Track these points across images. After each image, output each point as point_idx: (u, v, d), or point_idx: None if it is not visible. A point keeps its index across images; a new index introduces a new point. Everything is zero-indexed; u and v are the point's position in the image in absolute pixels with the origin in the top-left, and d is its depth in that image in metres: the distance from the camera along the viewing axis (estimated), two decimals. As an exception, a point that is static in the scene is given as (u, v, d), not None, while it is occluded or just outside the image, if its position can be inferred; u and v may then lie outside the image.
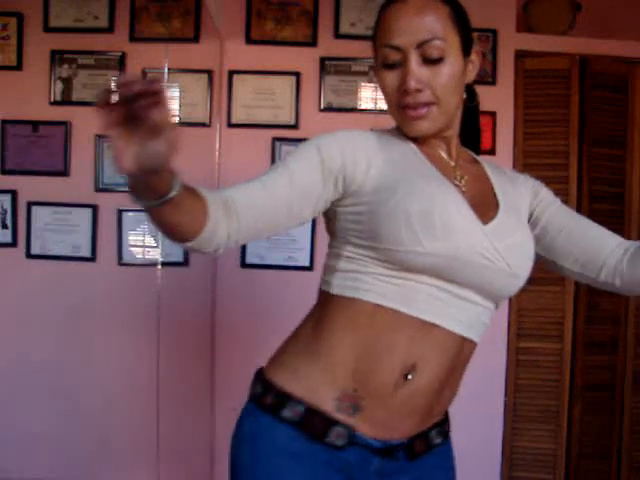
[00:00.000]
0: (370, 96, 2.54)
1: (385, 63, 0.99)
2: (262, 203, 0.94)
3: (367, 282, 0.95)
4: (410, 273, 0.93)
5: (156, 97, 0.68)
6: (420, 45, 0.96)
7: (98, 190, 2.52)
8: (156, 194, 0.80)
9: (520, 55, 2.58)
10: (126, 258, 2.51)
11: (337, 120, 2.50)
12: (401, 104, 0.99)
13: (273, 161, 2.51)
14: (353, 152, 0.97)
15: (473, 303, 0.98)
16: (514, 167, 2.58)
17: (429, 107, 0.98)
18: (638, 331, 2.64)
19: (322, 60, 2.52)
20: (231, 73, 2.52)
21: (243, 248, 2.50)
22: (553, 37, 2.57)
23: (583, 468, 2.60)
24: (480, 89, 2.82)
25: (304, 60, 2.52)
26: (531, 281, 2.77)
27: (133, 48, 2.52)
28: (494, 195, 1.06)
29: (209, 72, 2.52)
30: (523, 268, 0.99)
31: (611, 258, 1.08)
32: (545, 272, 2.56)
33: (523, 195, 1.13)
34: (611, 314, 2.62)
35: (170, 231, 0.89)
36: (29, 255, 2.51)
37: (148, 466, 2.43)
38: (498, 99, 2.56)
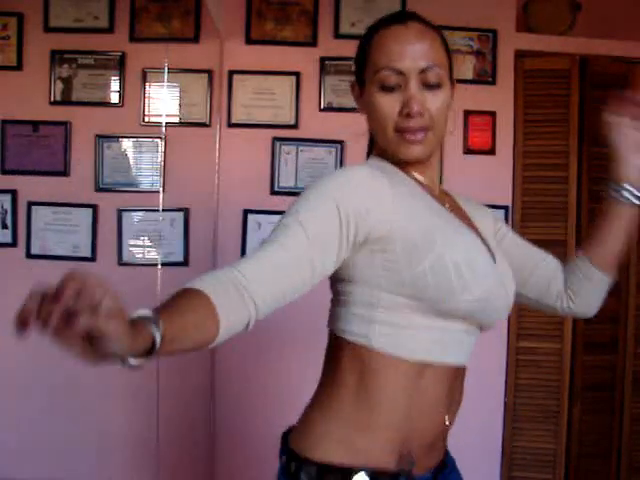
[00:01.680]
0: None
1: (384, 86, 0.98)
2: (281, 269, 0.87)
3: (411, 338, 0.94)
4: (447, 321, 0.96)
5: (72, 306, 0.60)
6: (423, 71, 0.97)
7: (98, 190, 2.52)
8: (144, 350, 0.68)
9: (520, 55, 2.58)
10: (126, 258, 2.51)
11: (337, 120, 2.50)
12: (400, 127, 0.98)
13: (273, 161, 2.51)
14: (372, 199, 0.92)
15: (475, 335, 1.04)
16: (514, 167, 2.58)
17: (426, 132, 0.99)
18: (638, 331, 2.64)
19: (322, 60, 2.52)
20: (231, 73, 2.52)
21: (242, 250, 2.50)
22: (553, 37, 2.57)
23: (583, 468, 2.60)
24: (480, 89, 2.83)
25: (304, 60, 2.52)
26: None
27: (133, 48, 2.52)
28: (476, 227, 1.10)
29: (209, 72, 2.52)
30: (512, 301, 1.08)
31: (560, 284, 1.19)
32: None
33: (487, 223, 1.17)
34: (611, 314, 2.62)
35: (185, 352, 0.78)
36: (29, 255, 2.51)
37: (148, 466, 2.43)
38: (498, 99, 2.56)
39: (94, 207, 2.51)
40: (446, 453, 1.12)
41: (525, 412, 2.58)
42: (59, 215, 2.51)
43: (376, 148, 1.09)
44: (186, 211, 2.50)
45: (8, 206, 2.51)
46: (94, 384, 2.46)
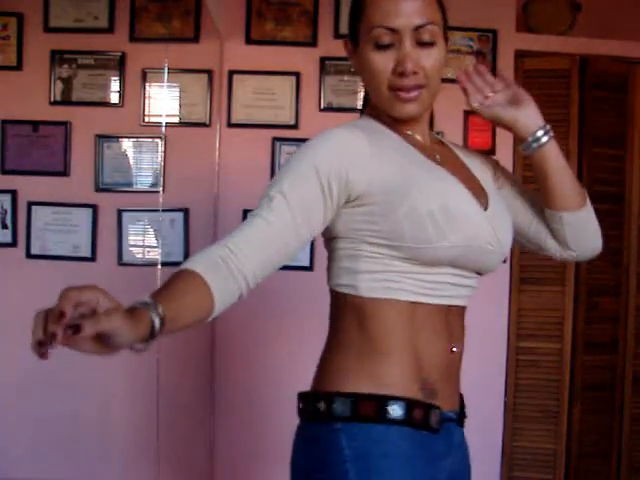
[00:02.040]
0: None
1: (377, 44, 0.98)
2: (268, 243, 0.92)
3: (396, 281, 0.98)
4: (432, 267, 0.98)
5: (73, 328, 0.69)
6: (417, 28, 0.97)
7: (98, 190, 2.52)
8: (148, 333, 0.76)
9: (520, 55, 2.58)
10: (126, 258, 2.51)
11: (337, 120, 2.48)
12: (394, 86, 0.99)
13: (273, 161, 2.51)
14: (350, 157, 0.96)
15: (472, 279, 1.06)
16: (514, 167, 2.58)
17: (420, 90, 0.99)
18: (638, 331, 2.64)
19: (322, 60, 2.52)
20: (231, 73, 2.52)
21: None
22: (553, 37, 2.57)
23: (583, 468, 2.60)
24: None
25: (304, 60, 2.52)
26: (531, 281, 2.76)
27: (133, 48, 2.52)
28: (473, 175, 1.10)
29: (209, 72, 2.52)
30: (509, 245, 1.07)
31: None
32: (545, 272, 2.57)
33: (486, 170, 1.17)
34: (611, 314, 2.62)
35: (186, 329, 0.86)
36: (29, 255, 2.51)
37: (148, 467, 2.43)
38: (498, 99, 2.55)
39: (94, 207, 2.51)
40: (462, 408, 1.14)
41: (525, 412, 2.58)
42: (59, 215, 2.51)
43: (370, 105, 1.10)
44: (186, 211, 2.50)
45: (8, 206, 2.51)
46: (94, 384, 2.46)
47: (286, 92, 2.51)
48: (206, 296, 0.86)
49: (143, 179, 2.53)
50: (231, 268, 0.89)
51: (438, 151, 1.09)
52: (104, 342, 0.70)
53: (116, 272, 2.48)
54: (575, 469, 2.59)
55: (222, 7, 2.45)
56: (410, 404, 0.97)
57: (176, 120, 2.53)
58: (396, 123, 1.05)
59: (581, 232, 1.18)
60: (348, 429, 0.96)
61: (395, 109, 1.01)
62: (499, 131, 2.56)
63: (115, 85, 2.53)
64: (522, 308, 2.57)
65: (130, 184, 2.53)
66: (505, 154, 2.57)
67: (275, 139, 2.50)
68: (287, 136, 2.51)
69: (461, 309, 1.06)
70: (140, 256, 2.52)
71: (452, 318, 1.04)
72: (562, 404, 2.55)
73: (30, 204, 2.51)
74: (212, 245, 0.91)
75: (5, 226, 2.52)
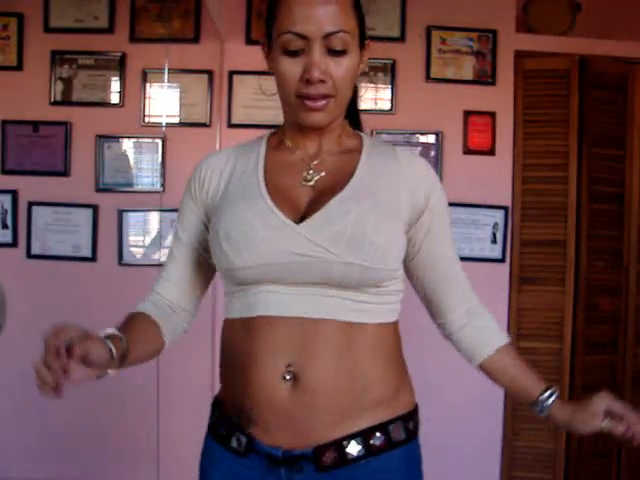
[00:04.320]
0: (370, 96, 2.54)
1: (286, 50, 0.94)
2: (187, 280, 1.10)
3: (227, 301, 1.04)
4: (245, 285, 0.98)
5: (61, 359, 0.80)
6: (327, 36, 0.93)
7: (98, 190, 2.52)
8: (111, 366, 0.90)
9: (520, 55, 2.58)
10: (126, 258, 2.51)
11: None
12: (300, 93, 0.95)
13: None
14: (207, 178, 1.06)
15: (320, 292, 0.95)
16: (514, 167, 2.58)
17: (328, 100, 0.95)
18: (638, 331, 2.64)
19: (322, 60, 2.52)
20: (231, 73, 2.52)
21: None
22: (553, 37, 2.57)
23: (583, 468, 2.60)
24: (480, 89, 2.83)
25: (304, 60, 2.52)
26: (531, 281, 2.76)
27: (133, 48, 2.52)
28: (334, 187, 0.99)
29: (209, 72, 2.52)
30: (359, 253, 0.91)
31: (453, 319, 1.11)
32: (545, 272, 2.57)
33: (402, 193, 1.00)
34: (611, 314, 2.62)
35: (138, 363, 0.99)
36: (29, 255, 2.51)
37: (148, 466, 2.43)
38: (498, 99, 2.56)
39: (94, 207, 2.52)
40: (371, 455, 0.96)
41: (525, 412, 2.58)
42: (59, 215, 2.51)
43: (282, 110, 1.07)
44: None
45: (8, 206, 2.51)
46: (94, 384, 2.46)
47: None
48: (158, 332, 1.06)
49: (143, 179, 2.54)
50: (171, 309, 1.10)
51: (327, 162, 1.02)
52: (85, 364, 0.82)
53: (116, 272, 2.48)
54: (575, 469, 2.59)
55: (222, 7, 2.45)
56: (219, 418, 1.07)
57: (176, 120, 2.53)
58: (294, 134, 1.04)
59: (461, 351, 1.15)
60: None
61: (301, 117, 0.98)
62: (499, 131, 2.56)
63: (115, 85, 2.53)
64: (522, 308, 2.57)
65: (130, 184, 2.53)
66: (505, 154, 2.57)
67: (275, 139, 2.50)
68: (287, 136, 2.50)
69: (326, 325, 0.94)
70: (140, 256, 2.52)
71: (302, 335, 0.93)
72: (562, 404, 2.55)
73: (30, 204, 2.51)
74: (147, 295, 1.10)
75: (5, 226, 2.52)
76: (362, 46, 1.00)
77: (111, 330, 0.90)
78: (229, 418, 1.03)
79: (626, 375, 2.63)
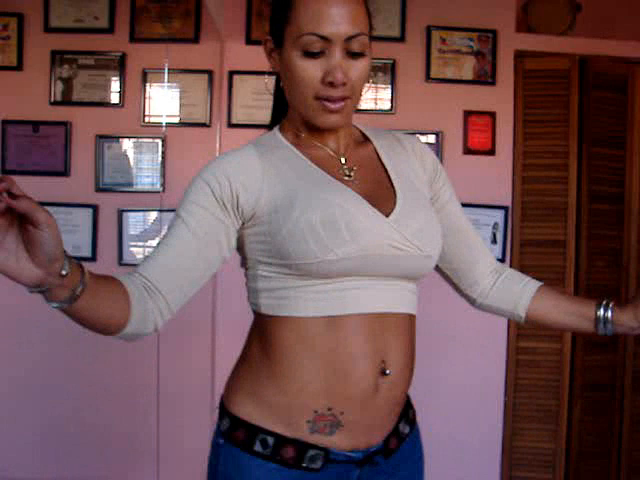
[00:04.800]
0: (370, 96, 2.54)
1: (308, 51, 0.93)
2: (176, 267, 0.95)
3: (292, 297, 0.95)
4: (329, 279, 0.93)
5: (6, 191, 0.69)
6: (349, 39, 0.93)
7: (98, 190, 2.52)
8: (64, 291, 0.78)
9: (520, 55, 2.58)
10: (126, 258, 2.51)
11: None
12: (321, 95, 0.95)
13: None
14: (240, 178, 0.96)
15: (396, 285, 0.99)
16: (514, 167, 2.58)
17: (345, 101, 0.96)
18: (638, 331, 2.64)
19: (322, 60, 2.52)
20: (231, 73, 2.52)
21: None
22: (553, 37, 2.57)
23: (583, 468, 2.60)
24: (480, 89, 2.83)
25: (304, 60, 2.52)
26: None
27: (133, 48, 2.52)
28: (389, 178, 1.03)
29: (209, 72, 2.52)
30: (433, 247, 1.00)
31: (484, 279, 1.13)
32: (545, 272, 2.57)
33: (419, 170, 1.09)
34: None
35: (96, 324, 0.87)
36: (29, 255, 2.51)
37: (148, 466, 2.43)
38: (498, 99, 2.56)
39: (94, 207, 2.52)
40: (412, 431, 1.06)
41: (525, 412, 2.58)
42: (59, 215, 2.51)
43: (284, 116, 1.07)
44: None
45: (8, 206, 2.51)
46: (94, 384, 2.46)
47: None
48: (126, 301, 0.89)
49: (143, 179, 2.54)
50: (149, 293, 0.94)
51: (352, 156, 1.04)
52: (29, 242, 0.71)
53: (116, 272, 2.47)
54: (575, 469, 2.59)
55: (222, 7, 2.45)
56: (278, 441, 0.95)
57: (176, 120, 2.53)
58: (309, 133, 1.03)
59: (500, 311, 1.15)
60: (227, 447, 0.99)
61: (319, 119, 0.98)
62: (499, 131, 2.56)
63: (115, 85, 2.53)
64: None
65: (130, 184, 2.53)
66: (505, 154, 2.57)
67: (275, 139, 2.50)
68: (287, 136, 2.50)
69: (400, 318, 0.98)
70: (140, 256, 2.52)
71: (385, 330, 0.96)
72: (562, 404, 2.55)
73: (30, 204, 2.51)
74: (130, 274, 0.95)
75: (5, 226, 2.52)
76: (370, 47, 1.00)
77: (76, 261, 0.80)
78: (293, 438, 0.95)
79: (626, 375, 2.63)
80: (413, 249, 0.96)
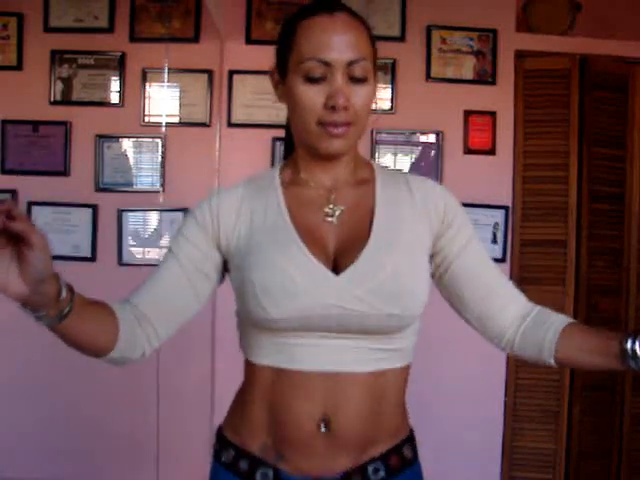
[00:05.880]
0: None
1: (310, 77, 0.93)
2: (165, 298, 1.00)
3: (251, 344, 1.00)
4: (279, 332, 0.95)
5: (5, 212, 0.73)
6: (350, 64, 0.93)
7: (98, 190, 2.52)
8: (53, 308, 0.82)
9: (520, 55, 2.58)
10: (126, 258, 2.51)
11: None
12: (324, 121, 0.94)
13: (273, 161, 2.51)
14: (222, 217, 1.01)
15: (357, 342, 0.96)
16: (514, 167, 2.58)
17: (348, 127, 0.95)
18: (638, 331, 2.64)
19: (322, 60, 2.52)
20: (231, 73, 2.52)
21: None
22: (553, 37, 2.57)
23: (583, 468, 2.60)
24: (480, 89, 2.83)
25: (304, 60, 2.52)
26: (531, 281, 2.76)
27: (133, 48, 2.52)
28: (371, 224, 0.99)
29: (209, 72, 2.52)
30: (400, 305, 0.93)
31: (509, 329, 1.05)
32: (545, 272, 2.57)
33: (422, 224, 1.02)
34: (611, 314, 2.62)
35: (83, 345, 0.92)
36: (29, 255, 2.50)
37: (148, 466, 2.43)
38: (498, 99, 2.56)
39: (94, 207, 2.51)
40: (392, 476, 1.02)
41: (525, 412, 2.58)
42: (59, 215, 2.51)
43: (295, 140, 1.06)
44: (186, 211, 2.50)
45: (8, 206, 2.51)
46: (94, 384, 2.46)
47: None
48: (114, 325, 0.93)
49: (143, 179, 2.54)
50: (139, 321, 0.98)
51: (345, 195, 1.02)
52: (20, 262, 0.76)
53: (116, 272, 2.48)
54: (575, 469, 2.59)
55: (222, 7, 2.45)
56: (237, 453, 1.02)
57: (176, 120, 2.53)
58: (309, 168, 1.03)
59: (529, 358, 1.07)
60: (215, 459, 1.08)
61: (321, 145, 0.96)
62: (499, 131, 2.56)
63: (115, 85, 2.53)
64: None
65: (130, 184, 2.53)
66: (505, 154, 2.57)
67: (275, 139, 2.50)
68: (287, 136, 2.50)
69: (358, 376, 0.96)
70: (140, 256, 2.52)
71: (335, 388, 0.95)
72: (562, 404, 2.55)
73: (30, 204, 2.51)
74: (122, 301, 1.00)
75: (5, 226, 2.52)
76: (375, 76, 1.00)
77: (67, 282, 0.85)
78: (249, 453, 1.01)
79: (626, 375, 2.63)
80: (366, 307, 0.92)
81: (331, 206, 1.01)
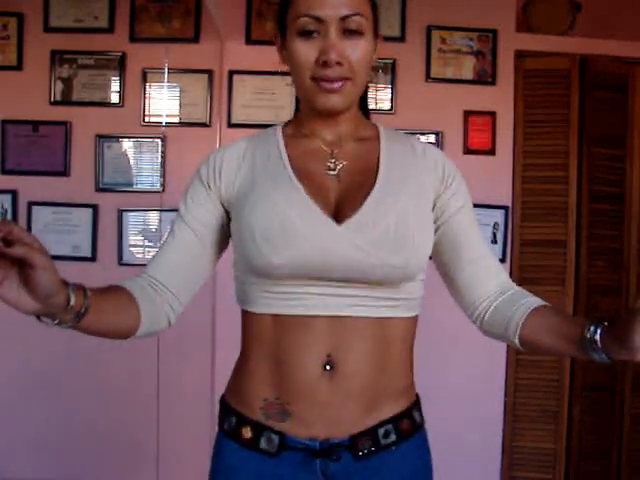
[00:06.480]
0: (370, 96, 2.54)
1: (302, 32, 0.94)
2: (179, 263, 1.01)
3: (252, 294, 0.99)
4: (278, 280, 0.94)
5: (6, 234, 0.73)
6: (343, 18, 0.93)
7: (98, 190, 2.52)
8: (68, 313, 0.81)
9: (520, 55, 2.58)
10: (126, 258, 2.51)
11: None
12: (317, 76, 0.94)
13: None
14: (224, 169, 1.02)
15: (357, 290, 0.95)
16: (514, 167, 2.58)
17: (344, 82, 0.95)
18: (638, 331, 2.64)
19: (322, 60, 2.52)
20: (231, 73, 2.52)
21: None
22: (553, 37, 2.57)
23: (583, 468, 2.60)
24: (480, 89, 2.83)
25: (304, 60, 2.52)
26: (531, 281, 2.76)
27: (133, 48, 2.52)
28: (376, 177, 0.99)
29: (209, 72, 2.52)
30: (402, 256, 0.93)
31: (482, 303, 1.04)
32: (545, 272, 2.57)
33: (427, 177, 1.03)
34: (611, 314, 2.62)
35: (108, 334, 0.92)
36: (29, 255, 2.50)
37: (148, 466, 2.43)
38: (498, 99, 2.56)
39: (94, 207, 2.51)
40: (402, 441, 1.00)
41: (525, 412, 2.58)
42: (59, 215, 2.51)
43: (298, 98, 1.07)
44: (186, 211, 2.50)
45: (8, 206, 2.51)
46: (94, 384, 2.46)
47: (286, 92, 2.51)
48: (134, 308, 0.94)
49: (143, 179, 2.54)
50: (157, 294, 0.99)
51: (347, 150, 1.02)
52: (27, 282, 0.75)
53: (116, 272, 2.48)
54: (575, 469, 2.59)
55: (222, 7, 2.45)
56: (240, 420, 1.00)
57: (176, 120, 2.53)
58: (311, 122, 1.03)
59: (497, 336, 1.05)
60: (218, 427, 1.06)
61: (318, 100, 0.96)
62: (499, 131, 2.56)
63: (115, 85, 2.53)
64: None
65: (130, 184, 2.53)
66: (505, 154, 2.57)
67: (275, 139, 2.50)
68: (287, 136, 2.50)
69: (362, 321, 0.96)
70: (140, 256, 2.52)
71: (340, 330, 0.95)
72: (562, 404, 2.55)
73: (30, 204, 2.51)
74: (136, 276, 1.00)
75: (5, 226, 2.52)
76: (376, 35, 1.00)
77: (77, 283, 0.83)
78: (252, 420, 0.99)
79: (626, 375, 2.63)
80: (368, 257, 0.92)
81: (333, 160, 1.01)
